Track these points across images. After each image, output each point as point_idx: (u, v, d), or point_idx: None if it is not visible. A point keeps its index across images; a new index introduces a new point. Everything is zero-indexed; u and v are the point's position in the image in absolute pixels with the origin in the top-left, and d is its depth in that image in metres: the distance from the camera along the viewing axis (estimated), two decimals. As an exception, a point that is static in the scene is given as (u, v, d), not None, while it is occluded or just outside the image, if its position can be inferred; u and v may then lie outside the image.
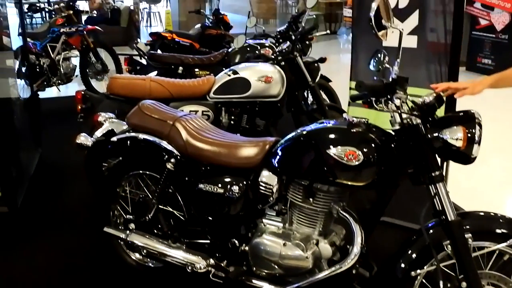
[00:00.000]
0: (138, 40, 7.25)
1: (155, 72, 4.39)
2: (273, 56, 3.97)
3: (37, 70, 5.97)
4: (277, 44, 4.62)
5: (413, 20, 3.10)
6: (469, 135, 1.87)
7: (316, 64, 4.02)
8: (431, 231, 1.98)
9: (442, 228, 1.93)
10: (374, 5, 1.91)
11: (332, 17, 13.03)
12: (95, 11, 11.36)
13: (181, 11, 11.38)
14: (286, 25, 4.74)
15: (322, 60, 4.02)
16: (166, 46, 5.98)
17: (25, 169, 3.99)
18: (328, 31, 5.29)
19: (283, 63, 3.85)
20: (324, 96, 4.44)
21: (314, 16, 7.07)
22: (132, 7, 11.64)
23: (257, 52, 4.48)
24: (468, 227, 1.92)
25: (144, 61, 4.73)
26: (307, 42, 4.43)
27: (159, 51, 5.69)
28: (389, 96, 1.95)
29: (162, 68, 4.62)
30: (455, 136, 1.89)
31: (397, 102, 1.94)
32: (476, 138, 1.88)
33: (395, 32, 2.06)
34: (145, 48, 4.89)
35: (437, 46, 3.04)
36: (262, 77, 3.61)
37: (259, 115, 3.73)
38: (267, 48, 4.66)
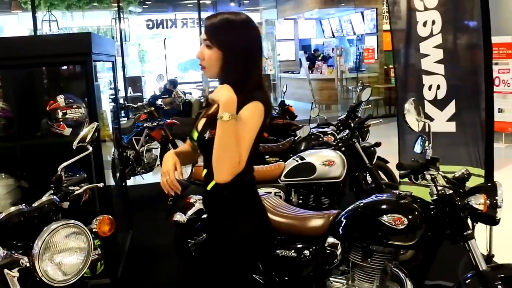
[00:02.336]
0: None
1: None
2: (334, 143, 4.55)
3: (125, 160, 6.80)
4: (338, 132, 5.19)
5: (451, 108, 3.62)
6: (489, 201, 2.35)
7: (372, 148, 4.56)
8: (468, 281, 2.41)
9: (477, 278, 2.37)
10: (407, 106, 2.49)
11: (392, 100, 13.64)
12: (168, 105, 12.49)
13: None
14: (346, 114, 5.33)
15: (377, 144, 4.56)
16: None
17: (121, 248, 4.64)
18: (381, 120, 5.84)
19: (343, 148, 4.41)
20: (382, 175, 4.92)
21: (370, 106, 7.66)
22: (201, 99, 12.70)
23: (320, 139, 5.05)
24: (500, 276, 2.35)
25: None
26: (365, 129, 5.02)
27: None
28: (424, 173, 2.47)
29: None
30: (477, 202, 2.38)
31: (429, 177, 2.46)
32: (498, 204, 2.36)
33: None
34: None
35: (473, 130, 3.53)
36: (326, 161, 4.18)
37: (324, 195, 4.26)
38: (329, 136, 5.23)
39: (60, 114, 3.37)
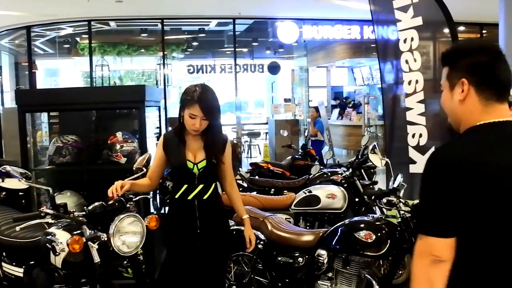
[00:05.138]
0: (240, 169, 8.97)
1: (255, 192, 5.92)
2: (339, 180, 5.38)
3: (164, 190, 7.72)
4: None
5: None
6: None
7: (371, 186, 5.38)
8: None
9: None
10: (370, 147, 3.36)
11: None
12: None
13: (277, 144, 13.19)
14: (355, 157, 6.16)
15: (375, 183, 5.38)
16: (262, 174, 7.57)
17: (157, 258, 5.42)
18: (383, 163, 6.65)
19: (346, 185, 5.24)
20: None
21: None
22: (235, 141, 13.66)
23: (330, 177, 5.89)
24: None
25: (245, 184, 6.32)
26: (371, 170, 5.84)
27: (257, 177, 7.27)
28: (385, 199, 3.32)
29: (259, 190, 6.15)
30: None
31: (385, 200, 3.29)
32: None
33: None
34: (246, 175, 6.52)
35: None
36: (329, 194, 4.99)
37: (327, 223, 5.05)
38: (338, 175, 6.06)
39: (118, 146, 4.35)
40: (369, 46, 14.93)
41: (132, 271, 3.05)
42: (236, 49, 14.08)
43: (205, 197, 3.07)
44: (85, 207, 2.90)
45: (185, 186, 3.04)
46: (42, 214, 2.73)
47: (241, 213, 3.30)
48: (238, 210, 3.31)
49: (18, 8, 11.43)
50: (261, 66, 15.46)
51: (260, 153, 15.70)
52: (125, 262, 2.87)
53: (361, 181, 5.35)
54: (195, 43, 17.00)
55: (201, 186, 3.05)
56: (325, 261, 3.50)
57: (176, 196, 3.08)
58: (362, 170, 5.61)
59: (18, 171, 3.25)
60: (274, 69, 14.80)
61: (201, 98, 2.94)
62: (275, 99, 17.37)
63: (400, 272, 4.63)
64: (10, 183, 3.19)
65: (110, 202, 2.78)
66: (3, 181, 3.19)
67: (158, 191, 5.93)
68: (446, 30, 4.40)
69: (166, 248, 3.21)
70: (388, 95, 4.88)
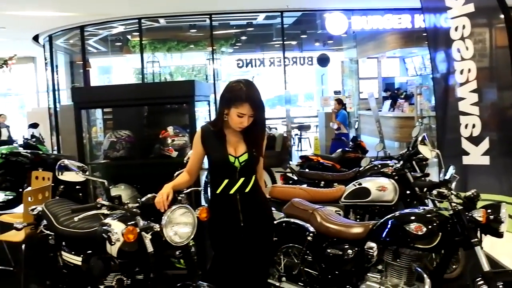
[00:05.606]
0: (290, 162, 8.99)
1: (304, 185, 5.93)
2: (389, 173, 5.31)
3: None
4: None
5: (485, 144, 4.31)
6: (492, 215, 3.07)
7: (423, 178, 5.27)
8: (475, 280, 3.11)
9: (482, 278, 3.07)
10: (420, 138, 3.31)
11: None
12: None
13: (327, 137, 13.12)
14: (406, 149, 6.06)
15: (426, 175, 5.28)
16: (312, 166, 7.56)
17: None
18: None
19: (396, 177, 5.16)
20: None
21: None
22: (285, 134, 13.66)
23: (380, 170, 5.81)
24: (501, 278, 3.03)
25: (295, 177, 6.33)
26: (423, 162, 5.73)
27: (306, 170, 7.26)
28: (436, 191, 3.26)
29: (308, 183, 6.15)
30: (478, 214, 3.12)
31: (435, 192, 3.23)
32: (502, 219, 3.07)
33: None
34: (296, 168, 6.53)
35: (505, 162, 4.20)
36: (379, 187, 4.95)
37: (378, 215, 5.01)
38: (389, 167, 5.98)
39: (169, 140, 4.46)
40: (420, 35, 14.54)
41: (184, 262, 3.12)
42: (285, 42, 14.04)
43: (247, 190, 3.08)
44: (138, 199, 3.00)
45: (226, 180, 3.07)
46: (98, 206, 2.85)
47: None
48: None
49: (72, 9, 11.82)
50: (310, 58, 15.34)
51: (310, 146, 15.67)
52: (177, 253, 2.94)
53: (412, 173, 5.26)
54: (243, 37, 17.07)
55: (242, 179, 3.07)
56: (375, 253, 3.48)
57: (218, 191, 3.10)
58: (414, 162, 5.50)
59: (75, 165, 3.38)
60: (323, 61, 14.68)
61: (249, 97, 2.93)
62: (325, 91, 17.25)
63: (454, 266, 4.55)
64: (69, 176, 3.33)
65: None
66: (62, 174, 3.32)
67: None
68: (501, 16, 4.26)
69: (211, 242, 3.24)
70: (440, 85, 4.78)
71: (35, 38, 15.26)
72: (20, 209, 6.89)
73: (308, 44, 17.56)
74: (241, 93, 2.93)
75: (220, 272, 3.18)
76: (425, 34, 6.50)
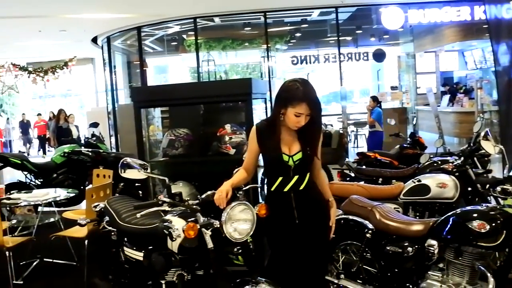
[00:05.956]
0: (347, 159, 8.90)
1: (362, 182, 5.86)
2: (450, 169, 5.18)
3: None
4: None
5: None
6: None
7: (485, 175, 5.11)
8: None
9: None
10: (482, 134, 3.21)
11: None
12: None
13: (385, 133, 12.90)
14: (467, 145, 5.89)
15: (489, 171, 5.11)
16: (370, 163, 7.46)
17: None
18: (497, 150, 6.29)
19: (457, 174, 5.03)
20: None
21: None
22: (341, 131, 13.53)
23: (440, 166, 5.67)
24: None
25: (352, 174, 6.27)
26: (485, 159, 5.55)
27: (364, 167, 7.18)
28: (499, 187, 3.15)
29: (366, 180, 6.08)
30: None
31: (499, 189, 3.12)
32: None
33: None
34: (353, 165, 6.47)
35: None
36: (440, 184, 4.83)
37: (438, 213, 4.90)
38: (449, 163, 5.83)
39: (227, 138, 4.53)
40: (481, 27, 14.06)
41: (242, 258, 3.17)
42: (340, 38, 13.90)
43: (301, 187, 3.08)
44: (198, 196, 3.07)
45: (280, 178, 3.07)
46: (159, 202, 2.93)
47: (327, 195, 3.27)
48: (325, 193, 3.26)
49: (129, 11, 12.14)
50: (365, 54, 15.12)
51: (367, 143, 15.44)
52: (235, 249, 2.98)
53: (473, 169, 5.11)
54: (298, 34, 17.01)
55: (296, 177, 3.07)
56: (436, 251, 3.41)
57: (272, 189, 3.12)
58: (475, 158, 5.34)
59: (137, 163, 3.48)
60: (379, 56, 14.46)
61: (307, 96, 2.92)
62: (381, 87, 16.97)
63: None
64: (131, 174, 3.43)
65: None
66: (124, 172, 3.42)
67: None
68: None
69: (268, 239, 3.25)
70: (503, 78, 4.61)
71: (94, 40, 15.75)
72: (81, 206, 7.17)
73: (363, 39, 17.28)
74: (298, 93, 2.92)
75: (278, 269, 3.20)
76: (485, 26, 6.26)
